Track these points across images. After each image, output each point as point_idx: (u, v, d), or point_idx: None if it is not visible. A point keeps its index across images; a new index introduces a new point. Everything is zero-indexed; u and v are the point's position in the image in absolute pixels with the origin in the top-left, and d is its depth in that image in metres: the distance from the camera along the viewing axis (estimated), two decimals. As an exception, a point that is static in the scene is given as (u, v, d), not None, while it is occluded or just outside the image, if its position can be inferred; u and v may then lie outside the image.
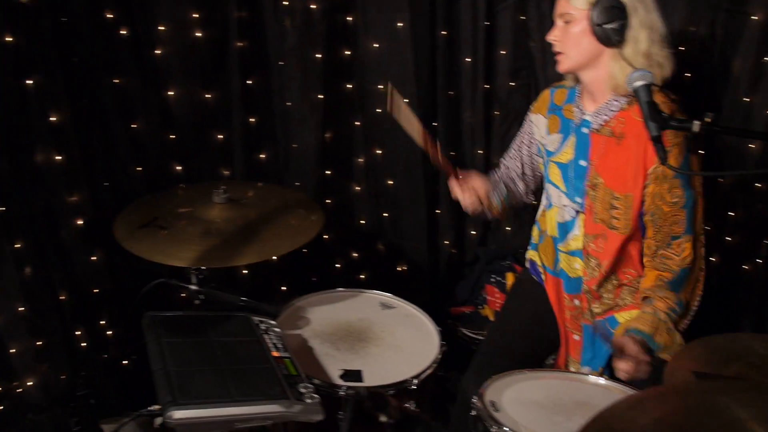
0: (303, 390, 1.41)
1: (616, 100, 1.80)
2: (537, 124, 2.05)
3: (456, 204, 2.79)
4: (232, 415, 1.30)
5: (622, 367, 1.62)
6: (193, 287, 1.74)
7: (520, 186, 2.15)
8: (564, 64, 1.83)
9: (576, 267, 1.95)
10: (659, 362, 1.65)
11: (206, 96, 2.38)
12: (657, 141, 1.37)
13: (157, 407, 1.30)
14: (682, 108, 1.74)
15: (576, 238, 1.93)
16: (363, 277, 2.84)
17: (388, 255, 2.87)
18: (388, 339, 1.92)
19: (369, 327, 1.97)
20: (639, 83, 1.44)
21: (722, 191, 2.40)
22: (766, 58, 2.18)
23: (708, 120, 1.36)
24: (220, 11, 2.30)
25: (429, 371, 1.78)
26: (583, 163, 1.87)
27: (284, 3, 2.35)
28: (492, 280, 2.76)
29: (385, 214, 2.78)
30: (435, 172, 2.73)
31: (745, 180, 2.34)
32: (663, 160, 1.36)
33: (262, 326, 1.67)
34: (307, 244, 2.74)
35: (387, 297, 2.13)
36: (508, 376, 1.71)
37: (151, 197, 2.10)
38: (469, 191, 1.97)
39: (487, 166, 2.71)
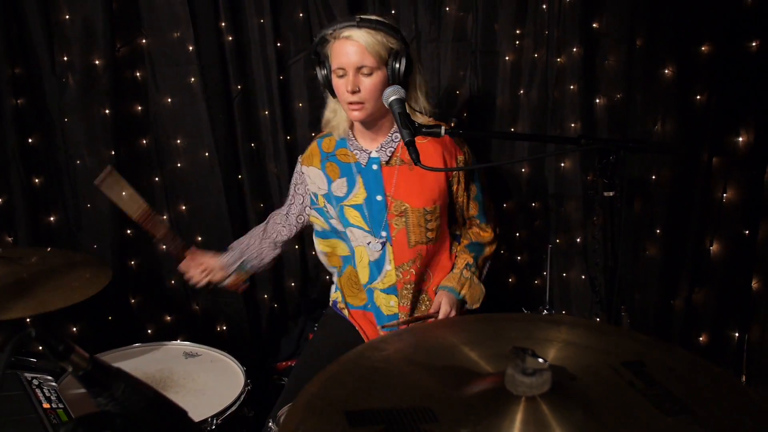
0: (75, 436, 1.33)
1: (397, 132, 1.80)
2: (310, 176, 2.04)
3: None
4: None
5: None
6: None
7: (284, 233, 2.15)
8: (364, 114, 1.82)
9: (392, 305, 2.01)
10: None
11: (-20, 157, 2.21)
12: (410, 145, 1.49)
13: None
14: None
15: (389, 274, 1.98)
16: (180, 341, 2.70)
17: (204, 316, 2.75)
18: (189, 385, 1.84)
19: (169, 376, 1.88)
20: (393, 98, 1.58)
21: (507, 213, 2.64)
22: (521, 92, 2.50)
23: (452, 125, 1.53)
24: (-11, 68, 2.19)
25: (231, 410, 1.73)
26: (379, 198, 1.94)
27: (63, 59, 2.28)
28: (315, 328, 2.75)
29: (197, 273, 2.68)
30: (243, 224, 2.71)
31: (523, 201, 2.61)
32: (416, 161, 1.48)
33: (35, 381, 1.56)
34: (110, 310, 2.59)
35: (190, 346, 2.06)
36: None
37: None
38: (198, 267, 2.02)
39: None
